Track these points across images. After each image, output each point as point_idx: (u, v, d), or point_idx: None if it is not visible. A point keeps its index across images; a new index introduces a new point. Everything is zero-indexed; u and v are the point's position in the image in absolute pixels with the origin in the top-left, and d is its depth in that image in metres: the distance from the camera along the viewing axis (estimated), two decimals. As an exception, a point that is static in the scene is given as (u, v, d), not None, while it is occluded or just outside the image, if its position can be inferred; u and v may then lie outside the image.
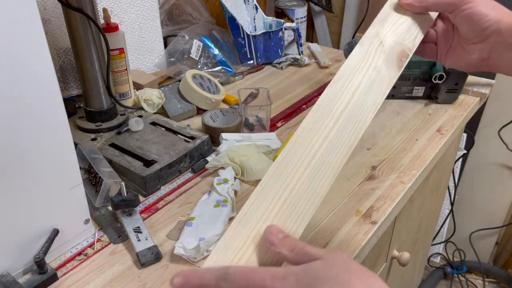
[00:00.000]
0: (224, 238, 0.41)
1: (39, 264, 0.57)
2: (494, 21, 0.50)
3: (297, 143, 0.45)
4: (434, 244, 1.79)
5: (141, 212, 0.71)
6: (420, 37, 0.53)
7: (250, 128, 0.91)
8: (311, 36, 1.68)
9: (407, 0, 0.53)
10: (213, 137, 0.85)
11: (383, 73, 0.49)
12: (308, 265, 0.35)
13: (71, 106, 0.92)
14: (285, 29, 1.21)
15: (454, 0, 0.51)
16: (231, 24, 1.17)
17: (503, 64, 0.53)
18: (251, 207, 0.42)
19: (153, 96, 0.94)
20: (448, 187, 1.54)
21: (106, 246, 0.65)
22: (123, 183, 0.66)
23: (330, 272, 0.34)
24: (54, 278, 0.58)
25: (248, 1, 1.25)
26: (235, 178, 0.76)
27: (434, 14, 0.56)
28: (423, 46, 0.56)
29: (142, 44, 1.10)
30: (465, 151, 1.55)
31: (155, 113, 0.94)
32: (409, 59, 0.51)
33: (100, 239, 0.66)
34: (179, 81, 1.01)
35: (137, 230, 0.65)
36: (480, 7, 0.51)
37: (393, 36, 0.51)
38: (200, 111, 0.98)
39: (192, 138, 0.83)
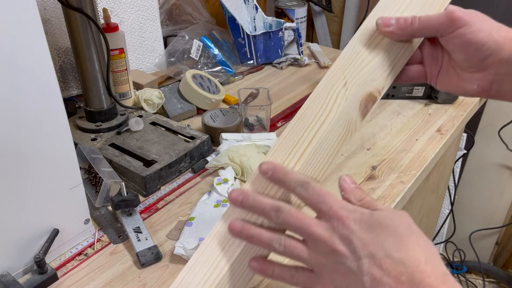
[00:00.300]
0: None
1: (39, 264, 0.57)
2: (494, 49, 0.41)
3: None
4: (434, 244, 1.79)
5: (141, 212, 0.71)
6: (396, 71, 0.45)
7: (250, 128, 0.91)
8: (311, 36, 1.68)
9: (388, 28, 0.44)
10: (213, 137, 0.85)
11: (341, 126, 0.42)
12: (375, 211, 0.37)
13: (71, 106, 0.92)
14: (285, 29, 1.21)
15: (444, 23, 0.42)
16: (231, 24, 1.17)
17: (509, 96, 0.44)
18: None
19: (153, 96, 0.94)
20: (448, 187, 1.54)
21: (106, 246, 0.65)
22: (123, 183, 0.66)
23: (393, 223, 0.36)
24: (54, 278, 0.58)
25: (248, 1, 1.25)
26: (235, 178, 0.76)
27: (418, 40, 0.46)
28: (406, 69, 0.47)
29: (142, 44, 1.10)
30: (465, 151, 1.55)
31: (155, 113, 0.94)
32: (377, 102, 0.44)
33: (100, 239, 0.66)
34: (179, 81, 1.01)
35: (137, 230, 0.65)
36: (476, 33, 0.41)
37: (360, 75, 0.43)
38: (200, 111, 0.98)
39: (192, 138, 0.83)
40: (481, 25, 0.41)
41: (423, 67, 0.48)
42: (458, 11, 0.41)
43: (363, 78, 0.43)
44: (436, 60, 0.47)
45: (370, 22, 0.46)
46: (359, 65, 0.44)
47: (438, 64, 0.47)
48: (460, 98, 1.02)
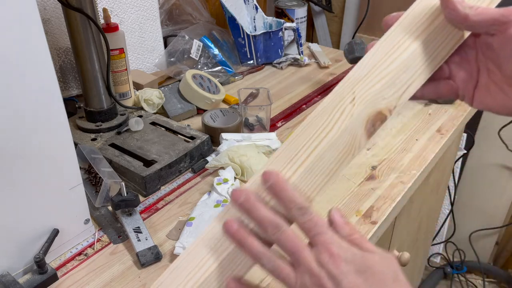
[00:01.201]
0: None
1: (39, 264, 0.57)
2: None
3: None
4: (434, 244, 1.79)
5: (141, 212, 0.71)
6: (416, 85, 0.40)
7: (250, 128, 0.91)
8: (311, 36, 1.68)
9: None
10: (213, 137, 0.85)
11: (343, 143, 0.40)
12: (366, 253, 0.37)
13: (71, 106, 0.92)
14: (285, 29, 1.21)
15: (504, 13, 0.35)
16: (231, 24, 1.17)
17: None
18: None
19: (153, 96, 0.94)
20: (448, 187, 1.54)
21: (106, 246, 0.65)
22: (123, 183, 0.66)
23: (382, 270, 0.36)
24: (54, 278, 0.58)
25: (248, 1, 1.25)
26: (235, 178, 0.76)
27: (459, 38, 0.38)
28: (434, 85, 0.41)
29: (142, 44, 1.10)
30: (465, 151, 1.55)
31: (155, 113, 0.94)
32: (387, 121, 0.40)
33: (100, 239, 0.66)
34: (179, 81, 1.01)
35: (137, 230, 0.65)
36: None
37: (370, 92, 0.39)
38: (200, 111, 0.98)
39: (192, 138, 0.83)
40: None
41: (455, 82, 0.41)
42: None
43: (373, 95, 0.39)
44: (470, 74, 0.40)
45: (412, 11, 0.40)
46: (372, 80, 0.40)
47: (472, 79, 0.40)
48: (460, 98, 1.02)
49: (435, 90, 0.42)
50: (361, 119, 0.40)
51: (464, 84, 0.41)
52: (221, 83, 1.07)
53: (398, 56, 0.39)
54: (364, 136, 0.40)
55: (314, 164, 0.40)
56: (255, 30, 1.28)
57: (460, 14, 0.36)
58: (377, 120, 0.40)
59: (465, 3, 0.36)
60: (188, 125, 0.88)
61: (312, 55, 1.30)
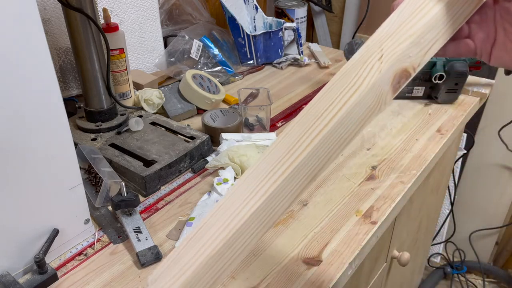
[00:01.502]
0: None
1: (39, 264, 0.57)
2: None
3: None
4: (434, 244, 1.79)
5: (141, 212, 0.71)
6: (438, 45, 0.42)
7: (250, 128, 0.91)
8: (311, 36, 1.68)
9: None
10: (213, 137, 0.85)
11: (372, 98, 0.41)
12: None
13: (71, 106, 0.92)
14: (285, 29, 1.21)
15: None
16: (231, 24, 1.17)
17: None
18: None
19: (153, 96, 0.94)
20: (448, 187, 1.54)
21: (106, 246, 0.65)
22: (123, 183, 0.66)
23: None
24: (54, 278, 0.58)
25: (248, 1, 1.25)
26: (235, 178, 0.76)
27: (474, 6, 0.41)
28: (453, 44, 0.44)
29: (142, 44, 1.10)
30: (465, 151, 1.55)
31: (155, 113, 0.94)
32: (411, 78, 0.42)
33: (100, 239, 0.66)
34: (179, 81, 1.01)
35: (137, 230, 0.65)
36: None
37: (398, 50, 0.41)
38: (200, 111, 0.98)
39: (192, 138, 0.83)
40: None
41: (473, 41, 0.43)
42: None
43: (399, 53, 0.41)
44: (487, 34, 0.42)
45: None
46: (399, 39, 0.42)
47: (490, 38, 0.42)
48: (460, 98, 1.02)
49: (455, 49, 0.44)
50: (388, 76, 0.41)
51: (482, 43, 0.43)
52: (221, 83, 1.07)
53: (423, 16, 0.42)
54: (390, 92, 0.42)
55: (345, 118, 0.41)
56: (255, 30, 1.28)
57: None
58: (402, 77, 0.42)
59: None
60: (188, 125, 0.88)
61: (312, 55, 1.30)
